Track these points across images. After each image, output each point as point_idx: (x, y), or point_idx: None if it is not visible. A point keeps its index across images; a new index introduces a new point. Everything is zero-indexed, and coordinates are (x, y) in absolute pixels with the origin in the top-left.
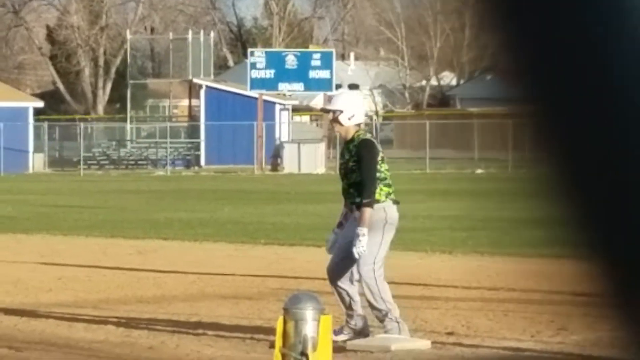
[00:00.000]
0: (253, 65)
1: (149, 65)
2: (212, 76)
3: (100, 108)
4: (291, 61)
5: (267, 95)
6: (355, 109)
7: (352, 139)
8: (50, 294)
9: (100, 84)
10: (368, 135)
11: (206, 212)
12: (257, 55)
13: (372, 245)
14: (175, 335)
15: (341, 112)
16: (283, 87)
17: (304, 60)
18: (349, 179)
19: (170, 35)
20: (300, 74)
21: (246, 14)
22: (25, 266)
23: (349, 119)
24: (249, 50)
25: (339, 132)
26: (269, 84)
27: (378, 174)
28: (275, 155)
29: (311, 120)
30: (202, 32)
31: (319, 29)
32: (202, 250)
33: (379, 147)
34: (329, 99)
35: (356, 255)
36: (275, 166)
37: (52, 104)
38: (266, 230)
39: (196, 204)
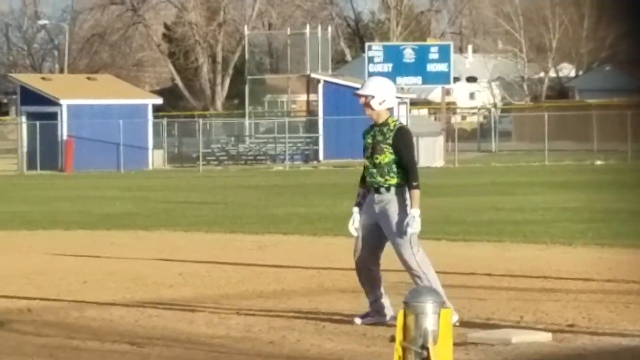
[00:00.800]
0: (371, 60)
1: (266, 60)
2: (329, 71)
3: (219, 104)
4: (409, 55)
5: None
6: (386, 94)
7: (386, 123)
8: (171, 290)
9: (219, 80)
10: (403, 123)
11: (325, 207)
12: (375, 49)
13: (402, 228)
14: (295, 330)
15: (372, 97)
16: (401, 80)
17: (422, 54)
18: (375, 159)
19: (288, 31)
20: (418, 68)
21: (363, 8)
22: (145, 262)
23: (380, 103)
24: (367, 44)
25: (370, 115)
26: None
27: None
28: None
29: (429, 113)
30: (319, 27)
31: (436, 22)
32: (321, 244)
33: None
34: (362, 84)
35: (407, 235)
36: None
37: (171, 101)
38: None
39: (315, 198)
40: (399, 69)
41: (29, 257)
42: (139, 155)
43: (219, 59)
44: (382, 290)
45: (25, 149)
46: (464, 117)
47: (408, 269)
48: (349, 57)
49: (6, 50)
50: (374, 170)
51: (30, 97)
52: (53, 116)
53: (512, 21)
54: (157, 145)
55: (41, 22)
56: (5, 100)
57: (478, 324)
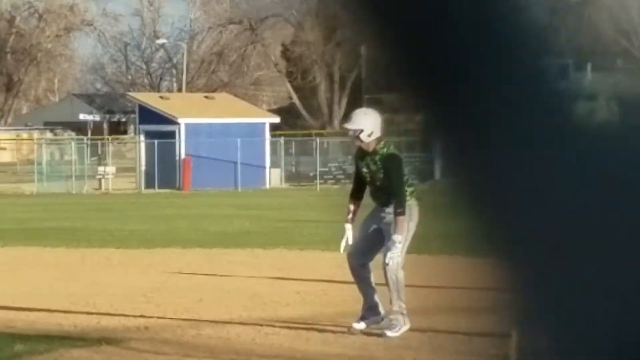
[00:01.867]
0: None
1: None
2: None
3: (336, 123)
4: None
5: None
6: (374, 126)
7: (375, 152)
8: (288, 308)
9: (336, 98)
10: (392, 148)
11: (442, 225)
12: None
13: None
14: (411, 349)
15: (361, 130)
16: None
17: None
18: (376, 185)
19: None
20: None
21: None
22: (262, 281)
23: (369, 135)
24: None
25: (359, 146)
26: None
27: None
28: None
29: None
30: None
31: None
32: (438, 262)
33: (401, 156)
34: (349, 118)
35: (388, 260)
36: None
37: (288, 120)
38: None
39: (431, 216)
40: None
41: (147, 275)
42: (257, 173)
43: (337, 77)
44: (374, 287)
45: (143, 168)
46: None
47: (385, 273)
48: None
49: (125, 69)
50: (379, 193)
51: (148, 115)
52: (171, 135)
53: (630, 40)
54: (274, 164)
55: (159, 41)
56: (124, 119)
57: None
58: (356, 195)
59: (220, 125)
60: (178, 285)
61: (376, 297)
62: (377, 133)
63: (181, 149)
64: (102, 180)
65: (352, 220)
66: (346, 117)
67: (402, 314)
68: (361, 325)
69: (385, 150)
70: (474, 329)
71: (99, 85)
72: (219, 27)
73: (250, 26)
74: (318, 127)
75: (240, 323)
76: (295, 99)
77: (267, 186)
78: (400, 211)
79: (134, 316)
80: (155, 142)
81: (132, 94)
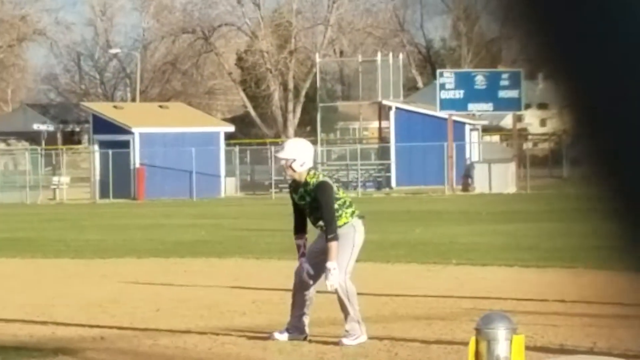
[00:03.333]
0: (442, 86)
1: (338, 88)
2: (401, 97)
3: (291, 131)
4: (480, 81)
5: (457, 116)
6: (306, 156)
7: (307, 182)
8: (244, 317)
9: (290, 107)
10: (321, 177)
11: (398, 234)
12: (446, 76)
13: (343, 259)
14: (368, 357)
15: (294, 160)
16: (472, 107)
17: (493, 80)
18: (316, 215)
19: (359, 58)
20: (489, 94)
21: (434, 35)
22: (218, 290)
23: (301, 165)
24: (438, 71)
25: (292, 176)
26: (458, 105)
27: (338, 201)
28: (466, 175)
29: (501, 140)
30: (390, 54)
31: (507, 49)
32: (394, 271)
33: (331, 182)
34: (282, 147)
35: (329, 288)
36: (466, 186)
37: (243, 128)
38: (458, 251)
39: (388, 225)
40: (470, 96)
41: (102, 285)
42: (212, 182)
43: (291, 86)
44: (308, 310)
45: (97, 178)
46: (535, 144)
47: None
48: (420, 84)
49: (78, 79)
50: (321, 223)
51: (102, 125)
52: (125, 144)
53: None
54: (229, 173)
55: (113, 51)
56: (77, 129)
57: (552, 350)
58: (299, 230)
59: (174, 135)
60: (134, 295)
61: (304, 319)
62: (309, 163)
63: (136, 159)
64: (57, 191)
65: (304, 254)
66: (301, 125)
67: (358, 322)
68: (284, 336)
69: (314, 180)
70: (431, 337)
71: (52, 95)
72: (172, 37)
73: (204, 35)
74: (272, 135)
75: (197, 332)
76: (250, 108)
77: (222, 195)
78: (331, 237)
79: (90, 326)
80: (110, 152)
81: (86, 103)
